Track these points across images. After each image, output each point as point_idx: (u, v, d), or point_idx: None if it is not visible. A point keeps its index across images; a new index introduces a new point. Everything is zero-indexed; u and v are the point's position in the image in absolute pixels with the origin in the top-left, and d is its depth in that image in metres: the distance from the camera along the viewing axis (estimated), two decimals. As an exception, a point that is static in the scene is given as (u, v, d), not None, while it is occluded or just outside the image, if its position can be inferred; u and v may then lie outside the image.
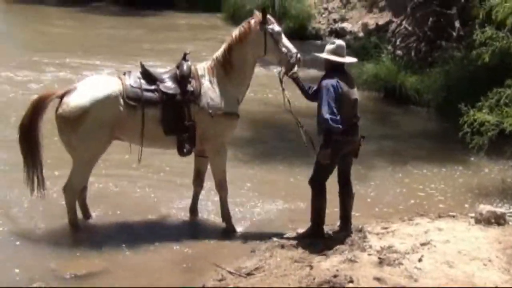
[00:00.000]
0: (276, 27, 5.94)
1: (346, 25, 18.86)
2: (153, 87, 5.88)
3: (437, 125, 10.72)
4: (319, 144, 5.56)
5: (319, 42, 18.18)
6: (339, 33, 18.29)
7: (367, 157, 8.62)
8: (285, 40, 5.94)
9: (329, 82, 5.50)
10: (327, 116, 5.40)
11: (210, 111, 5.89)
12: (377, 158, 8.85)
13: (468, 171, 8.44)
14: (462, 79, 10.44)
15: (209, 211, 6.69)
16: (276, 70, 5.96)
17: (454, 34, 12.38)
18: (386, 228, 6.00)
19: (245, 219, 6.55)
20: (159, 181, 7.48)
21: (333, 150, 5.52)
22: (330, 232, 5.99)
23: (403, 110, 11.64)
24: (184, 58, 6.06)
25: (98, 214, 6.42)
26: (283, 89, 5.92)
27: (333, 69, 5.65)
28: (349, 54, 5.97)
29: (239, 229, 6.29)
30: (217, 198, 6.41)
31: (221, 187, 6.16)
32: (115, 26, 19.40)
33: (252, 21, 5.97)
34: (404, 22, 13.59)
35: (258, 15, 5.99)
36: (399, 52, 13.00)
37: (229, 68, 5.96)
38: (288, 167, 8.20)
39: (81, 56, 14.46)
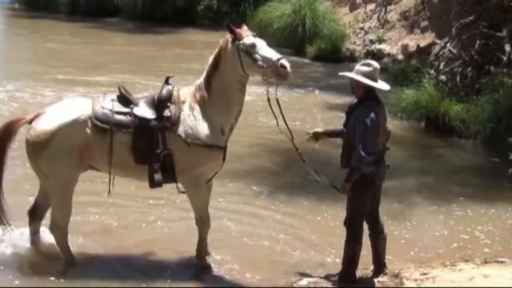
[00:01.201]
0: (248, 40, 5.75)
1: (384, 47, 18.89)
2: (125, 110, 5.91)
3: (484, 160, 10.66)
4: (342, 178, 5.62)
5: (352, 65, 18.65)
6: (376, 55, 18.33)
7: (404, 193, 8.58)
8: (262, 50, 5.73)
9: (370, 115, 5.44)
10: (363, 154, 5.41)
11: (188, 139, 5.83)
12: (416, 195, 8.82)
13: (519, 212, 8.33)
14: (514, 108, 10.71)
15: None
16: (264, 88, 5.89)
17: (504, 58, 12.33)
18: (425, 274, 5.98)
19: (269, 261, 6.57)
20: (168, 213, 7.59)
21: (363, 185, 5.54)
22: (363, 277, 6.01)
23: (446, 142, 11.67)
24: (167, 82, 6.07)
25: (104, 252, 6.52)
26: (275, 109, 5.89)
27: (365, 95, 5.61)
28: (386, 79, 6.05)
29: (257, 276, 6.22)
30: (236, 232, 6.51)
31: (203, 223, 6.16)
32: (128, 43, 20.11)
33: (221, 41, 5.90)
34: (448, 45, 13.56)
35: (228, 33, 5.84)
36: (442, 77, 12.93)
37: (211, 94, 5.92)
38: (314, 202, 8.21)
39: (90, 73, 15.08)
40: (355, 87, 5.64)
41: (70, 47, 19.95)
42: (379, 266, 5.97)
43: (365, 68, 5.60)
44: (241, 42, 5.75)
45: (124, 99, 5.99)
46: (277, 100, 5.85)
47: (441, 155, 11.13)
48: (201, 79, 5.99)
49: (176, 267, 6.30)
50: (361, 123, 5.42)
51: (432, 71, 13.09)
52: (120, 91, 6.02)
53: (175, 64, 16.37)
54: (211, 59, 5.91)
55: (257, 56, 5.67)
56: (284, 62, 5.65)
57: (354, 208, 5.70)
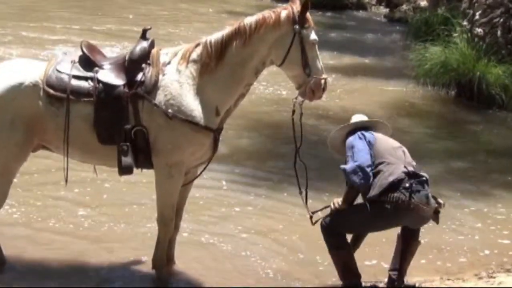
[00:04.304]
0: (313, 34, 5.97)
1: None
2: (87, 74, 5.94)
3: (532, 139, 10.93)
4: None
5: (361, 13, 18.59)
6: (391, 1, 18.62)
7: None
8: (317, 57, 6.01)
9: (351, 136, 6.08)
10: (351, 163, 5.86)
11: (169, 110, 5.87)
12: (442, 185, 8.80)
13: None
14: None
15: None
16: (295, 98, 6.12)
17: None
18: (455, 288, 6.05)
19: (262, 274, 6.74)
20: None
21: (377, 210, 5.83)
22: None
23: (483, 116, 11.79)
24: (143, 36, 6.12)
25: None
26: (294, 122, 6.23)
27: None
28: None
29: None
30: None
31: (164, 224, 6.19)
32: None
33: (283, 13, 5.99)
34: None
35: (295, 5, 6.01)
36: (478, 30, 12.94)
37: (217, 65, 5.98)
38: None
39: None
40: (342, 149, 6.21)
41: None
42: (399, 275, 6.11)
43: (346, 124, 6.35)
44: (304, 31, 5.92)
45: (87, 61, 6.02)
46: (300, 117, 6.17)
47: (476, 133, 11.27)
48: (211, 39, 6.01)
49: (128, 275, 6.52)
50: (347, 145, 6.07)
51: (465, 23, 13.25)
52: (82, 49, 6.05)
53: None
54: (244, 26, 5.95)
55: (309, 59, 5.92)
56: (327, 84, 6.04)
57: (344, 221, 6.02)
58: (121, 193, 8.10)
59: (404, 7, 17.81)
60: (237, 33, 5.96)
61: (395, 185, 5.82)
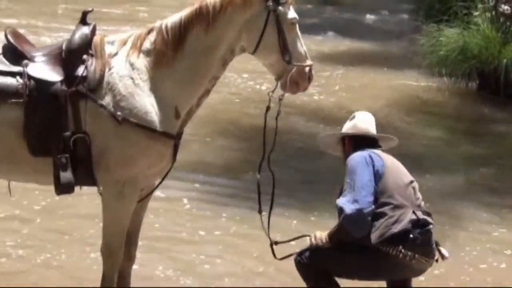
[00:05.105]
0: (292, 11, 5.75)
1: None
2: (14, 68, 5.68)
3: None
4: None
5: None
6: None
7: (445, 195, 8.69)
8: (298, 40, 5.83)
9: (358, 154, 5.81)
10: (350, 204, 5.61)
11: (118, 113, 5.59)
12: (462, 199, 8.84)
13: None
14: None
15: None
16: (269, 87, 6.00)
17: None
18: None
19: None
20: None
21: (370, 261, 5.68)
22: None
23: (511, 113, 11.64)
24: (83, 21, 5.82)
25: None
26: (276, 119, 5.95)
27: (360, 147, 5.94)
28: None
29: None
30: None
31: (109, 254, 5.96)
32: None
33: None
34: None
35: None
36: (505, 8, 12.51)
37: (175, 55, 5.76)
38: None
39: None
40: (342, 151, 6.10)
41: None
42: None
43: (347, 123, 6.08)
44: (280, 8, 5.72)
45: (14, 52, 5.75)
46: (276, 116, 5.94)
47: (502, 134, 11.14)
48: (167, 24, 5.79)
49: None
50: (348, 166, 5.78)
51: None
52: (6, 38, 5.78)
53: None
54: (206, 5, 5.74)
55: (288, 42, 5.77)
56: (313, 71, 5.92)
57: (327, 259, 5.82)
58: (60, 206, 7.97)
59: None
60: (199, 15, 5.74)
61: (399, 237, 5.60)
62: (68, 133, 5.59)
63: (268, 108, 5.92)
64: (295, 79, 5.74)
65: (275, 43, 5.74)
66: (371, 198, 5.63)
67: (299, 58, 5.76)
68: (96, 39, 5.79)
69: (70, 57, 5.71)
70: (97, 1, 14.28)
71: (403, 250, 5.59)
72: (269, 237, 6.15)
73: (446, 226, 7.98)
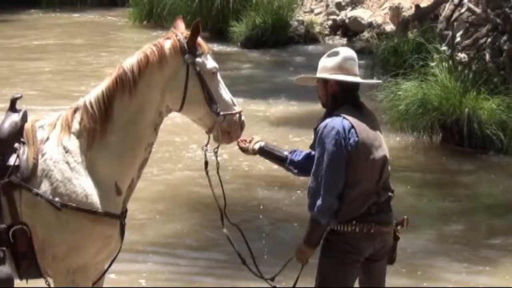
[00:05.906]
0: (210, 61, 5.73)
1: (361, 13, 19.12)
2: None
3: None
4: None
5: (312, 47, 18.56)
6: (349, 29, 18.67)
7: (417, 252, 8.63)
8: (222, 88, 5.79)
9: (332, 126, 5.62)
10: (319, 201, 5.55)
11: (56, 199, 5.49)
12: (436, 257, 8.76)
13: None
14: None
15: None
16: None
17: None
18: None
19: None
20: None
21: (338, 253, 5.66)
22: None
23: (477, 163, 11.61)
24: (12, 108, 5.73)
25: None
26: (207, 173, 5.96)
27: (338, 102, 5.77)
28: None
29: None
30: None
31: None
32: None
33: (167, 44, 5.71)
34: (466, 0, 13.34)
35: (178, 31, 5.78)
36: (462, 56, 12.78)
37: (105, 129, 5.67)
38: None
39: None
40: (320, 92, 5.86)
41: None
42: None
43: (330, 60, 5.85)
44: (198, 60, 5.70)
45: None
46: (217, 169, 5.98)
47: (471, 185, 11.12)
48: (90, 99, 5.69)
49: None
50: (319, 146, 5.65)
51: (443, 47, 12.93)
52: None
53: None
54: (127, 65, 5.67)
55: (213, 92, 5.74)
56: (244, 119, 5.88)
57: (323, 282, 5.77)
58: None
59: (366, 34, 17.81)
60: (119, 84, 5.69)
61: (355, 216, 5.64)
62: (3, 226, 5.50)
63: (206, 164, 5.88)
64: (226, 129, 5.74)
65: (199, 96, 5.72)
66: (341, 183, 5.53)
67: (226, 106, 5.73)
68: (28, 125, 5.72)
69: (0, 146, 5.66)
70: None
71: (358, 224, 5.57)
72: (267, 280, 6.04)
73: (423, 283, 8.03)
